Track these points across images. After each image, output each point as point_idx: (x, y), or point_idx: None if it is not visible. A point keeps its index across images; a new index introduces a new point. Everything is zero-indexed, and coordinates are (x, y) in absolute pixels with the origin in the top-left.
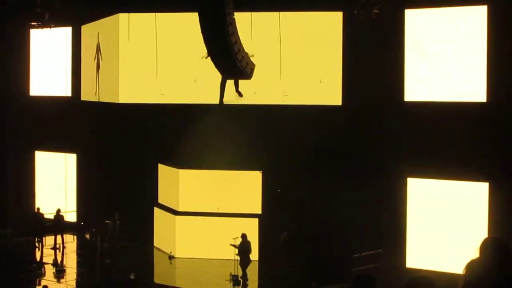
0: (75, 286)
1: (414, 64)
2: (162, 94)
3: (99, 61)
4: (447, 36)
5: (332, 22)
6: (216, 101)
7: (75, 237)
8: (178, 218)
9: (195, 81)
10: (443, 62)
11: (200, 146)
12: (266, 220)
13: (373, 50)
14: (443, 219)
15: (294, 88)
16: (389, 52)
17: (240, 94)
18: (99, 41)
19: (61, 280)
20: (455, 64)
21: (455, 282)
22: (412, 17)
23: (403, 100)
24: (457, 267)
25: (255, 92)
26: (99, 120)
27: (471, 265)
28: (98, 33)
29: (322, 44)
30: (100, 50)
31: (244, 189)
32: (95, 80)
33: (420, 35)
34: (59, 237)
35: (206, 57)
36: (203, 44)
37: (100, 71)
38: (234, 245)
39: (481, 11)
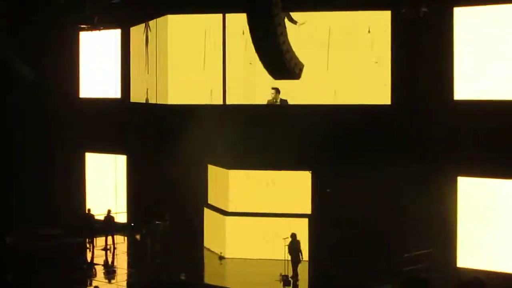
0: (125, 287)
1: (463, 62)
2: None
3: (147, 63)
4: (496, 34)
5: (380, 21)
6: (263, 101)
7: (125, 238)
8: (228, 218)
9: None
10: (492, 60)
11: (249, 147)
12: (316, 220)
13: (422, 48)
14: (495, 219)
15: (342, 87)
16: (438, 50)
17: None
18: (148, 43)
19: (112, 281)
20: (504, 62)
21: (508, 282)
22: (461, 15)
23: (453, 99)
24: (510, 267)
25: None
26: (149, 122)
27: None
28: (148, 35)
29: (370, 43)
30: (148, 52)
31: (293, 189)
32: (145, 82)
33: (469, 33)
34: (109, 238)
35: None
36: (252, 45)
37: (149, 72)
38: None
39: None
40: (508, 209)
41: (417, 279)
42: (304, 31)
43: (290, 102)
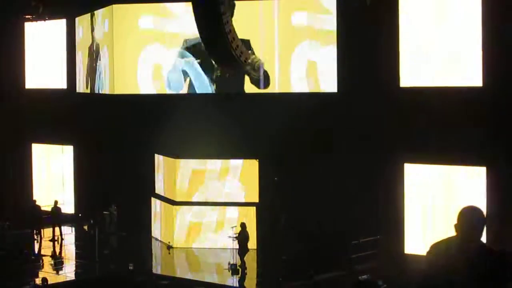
0: (74, 278)
1: (408, 50)
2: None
3: (93, 53)
4: (439, 22)
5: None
6: (211, 90)
7: (73, 228)
8: (176, 208)
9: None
10: (436, 47)
11: (197, 136)
12: (263, 208)
13: (368, 37)
14: (441, 205)
15: (288, 75)
16: (384, 38)
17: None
18: (93, 33)
19: (60, 272)
20: (447, 49)
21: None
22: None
23: (399, 86)
24: None
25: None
26: (95, 112)
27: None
28: (93, 25)
29: (318, 31)
30: (94, 41)
31: (241, 177)
32: (90, 72)
33: (413, 21)
34: (57, 229)
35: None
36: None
37: (96, 63)
38: (233, 237)
39: None
40: (453, 195)
41: (367, 283)
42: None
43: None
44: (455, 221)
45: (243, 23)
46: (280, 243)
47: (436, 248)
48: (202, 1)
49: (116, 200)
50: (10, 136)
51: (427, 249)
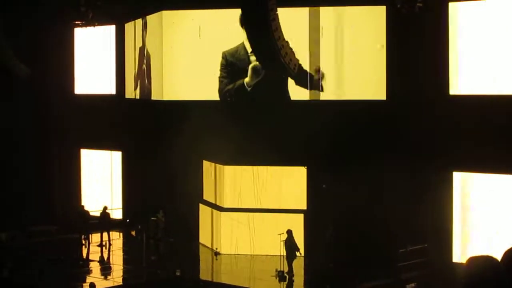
0: (121, 283)
1: (458, 57)
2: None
3: (142, 59)
4: (491, 29)
5: (375, 16)
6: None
7: (121, 234)
8: (224, 214)
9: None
10: (487, 55)
11: (245, 142)
12: (312, 216)
13: (417, 44)
14: (490, 214)
15: (338, 83)
16: (434, 46)
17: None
18: (143, 39)
19: (108, 277)
20: (499, 57)
21: None
22: (457, 10)
23: (448, 93)
24: None
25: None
26: (144, 118)
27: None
28: (142, 31)
29: (365, 39)
30: (143, 47)
31: (289, 184)
32: (140, 78)
33: (464, 28)
34: (105, 234)
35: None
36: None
37: (144, 68)
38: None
39: None
40: (503, 204)
41: None
42: (298, 26)
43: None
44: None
45: (290, 29)
46: (327, 251)
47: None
48: (252, 8)
49: (164, 206)
50: (58, 142)
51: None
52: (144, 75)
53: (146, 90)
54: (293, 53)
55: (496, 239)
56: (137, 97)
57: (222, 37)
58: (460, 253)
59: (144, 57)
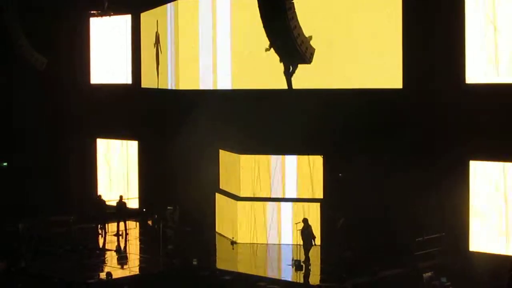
0: (138, 272)
1: (476, 45)
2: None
3: (158, 49)
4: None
5: (391, 2)
6: (276, 86)
7: (137, 223)
8: (240, 203)
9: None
10: (504, 43)
11: (261, 131)
12: (328, 205)
13: (434, 32)
14: (507, 202)
15: (354, 71)
16: (450, 34)
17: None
18: (158, 29)
19: (124, 267)
20: None
21: None
22: None
23: (465, 82)
24: None
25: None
26: (160, 107)
27: None
28: (157, 21)
29: (381, 26)
30: (159, 37)
31: (305, 174)
32: (155, 68)
33: (481, 15)
34: (121, 224)
35: (269, 49)
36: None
37: (160, 58)
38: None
39: None
40: None
41: None
42: (312, 14)
43: (301, 86)
44: None
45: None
46: (343, 239)
47: None
48: None
49: (181, 195)
50: (75, 131)
51: None
52: (158, 66)
53: (161, 80)
54: (309, 41)
55: None
56: (158, 86)
57: (239, 25)
58: (478, 242)
59: (159, 47)
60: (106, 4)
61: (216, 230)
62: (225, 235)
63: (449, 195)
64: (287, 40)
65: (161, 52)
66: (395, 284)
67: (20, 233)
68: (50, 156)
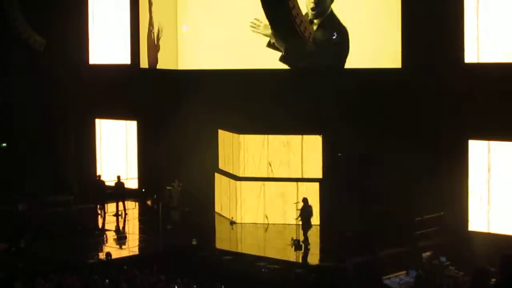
0: (137, 253)
1: (474, 25)
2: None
3: (155, 28)
4: None
5: None
6: (274, 66)
7: (136, 203)
8: (240, 183)
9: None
10: (503, 22)
11: (260, 111)
12: (327, 184)
13: (432, 11)
14: (506, 182)
15: (352, 51)
16: (448, 13)
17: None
18: (153, 7)
19: (123, 247)
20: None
21: None
22: None
23: (464, 61)
24: None
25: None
26: (159, 87)
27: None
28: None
29: (380, 6)
30: (152, 17)
31: (304, 153)
32: (154, 47)
33: None
34: (120, 204)
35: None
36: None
37: (158, 37)
38: (297, 217)
39: None
40: None
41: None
42: None
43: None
44: None
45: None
46: (343, 219)
47: None
48: None
49: (180, 175)
50: (74, 112)
51: None
52: (157, 45)
53: (160, 59)
54: (308, 21)
55: None
56: (158, 66)
57: (238, 5)
58: (476, 222)
59: (157, 27)
60: None
61: (215, 210)
62: (225, 215)
63: (449, 174)
64: (286, 19)
65: (158, 32)
66: (394, 264)
67: (19, 213)
68: (49, 136)
